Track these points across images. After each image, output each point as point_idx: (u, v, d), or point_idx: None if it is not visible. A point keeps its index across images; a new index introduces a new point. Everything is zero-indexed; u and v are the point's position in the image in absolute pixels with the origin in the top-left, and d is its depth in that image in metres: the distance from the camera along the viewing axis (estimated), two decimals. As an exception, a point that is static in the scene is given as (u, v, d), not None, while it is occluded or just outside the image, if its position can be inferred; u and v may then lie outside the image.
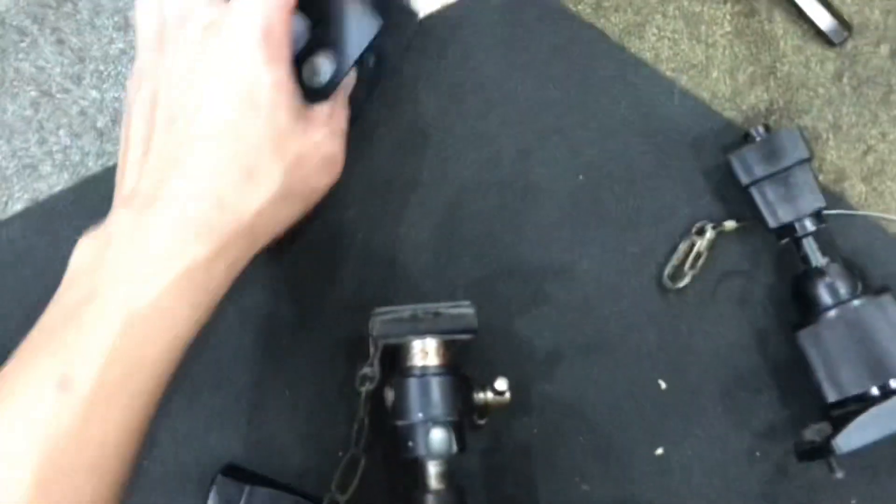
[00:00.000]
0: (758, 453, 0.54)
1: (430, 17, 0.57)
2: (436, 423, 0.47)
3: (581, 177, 0.56)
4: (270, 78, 0.43)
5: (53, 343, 0.40)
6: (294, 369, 0.57)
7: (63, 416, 0.38)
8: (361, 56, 0.49)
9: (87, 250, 0.44)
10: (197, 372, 0.57)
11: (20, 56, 0.60)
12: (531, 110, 0.56)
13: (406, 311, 0.48)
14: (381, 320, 0.49)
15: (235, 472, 0.56)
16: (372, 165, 0.57)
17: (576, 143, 0.56)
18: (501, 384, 0.49)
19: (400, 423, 0.48)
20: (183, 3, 0.45)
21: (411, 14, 0.56)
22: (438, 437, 0.47)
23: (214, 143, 0.43)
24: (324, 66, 0.49)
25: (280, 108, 0.43)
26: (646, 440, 0.54)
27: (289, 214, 0.47)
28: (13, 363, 0.41)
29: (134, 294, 0.41)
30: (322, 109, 0.47)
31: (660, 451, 0.54)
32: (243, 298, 0.57)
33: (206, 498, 0.55)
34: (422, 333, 0.48)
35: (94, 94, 0.60)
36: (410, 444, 0.48)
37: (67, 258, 0.57)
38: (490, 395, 0.50)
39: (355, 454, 0.53)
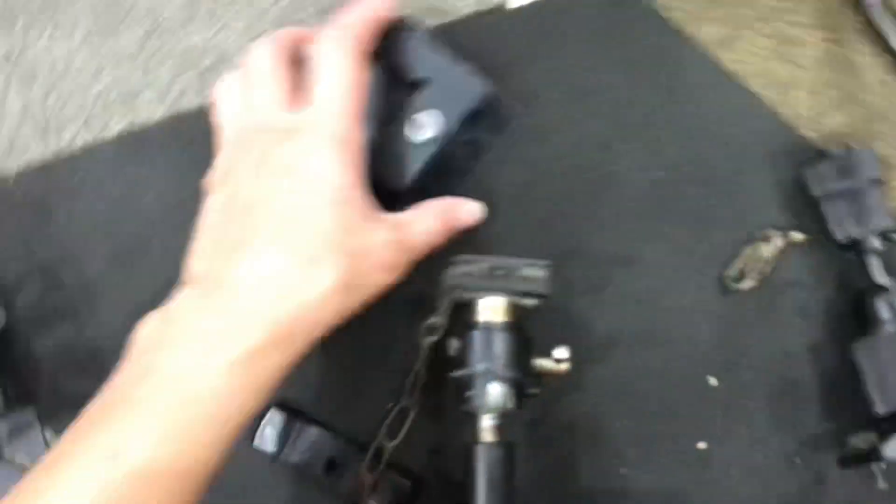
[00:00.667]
0: (798, 460, 0.55)
1: (526, 7, 0.60)
2: (495, 376, 0.49)
3: (660, 174, 0.58)
4: (342, 180, 0.46)
5: (108, 417, 0.41)
6: (357, 320, 0.59)
7: (111, 489, 0.39)
8: (468, 121, 0.52)
9: (149, 327, 0.45)
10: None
11: (138, -10, 0.64)
12: (618, 105, 0.59)
13: (484, 262, 0.50)
14: (455, 273, 0.50)
15: (286, 409, 0.58)
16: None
17: (657, 141, 0.58)
18: (562, 352, 0.51)
19: (461, 372, 0.50)
20: (264, 111, 0.49)
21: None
22: (496, 390, 0.49)
23: (280, 232, 0.45)
24: (428, 123, 0.52)
25: (348, 205, 0.46)
26: (689, 433, 0.56)
27: (347, 307, 0.47)
28: (71, 434, 0.42)
29: (188, 375, 0.42)
30: (394, 217, 0.50)
31: (702, 445, 0.55)
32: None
33: (255, 430, 0.57)
34: (493, 291, 0.50)
35: (202, 34, 0.63)
36: (468, 393, 0.49)
37: (154, 185, 0.61)
38: (549, 362, 0.51)
39: (406, 404, 0.55)
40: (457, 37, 0.59)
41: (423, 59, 0.52)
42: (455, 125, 0.52)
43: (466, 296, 0.51)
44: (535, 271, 0.50)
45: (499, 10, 0.60)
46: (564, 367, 0.51)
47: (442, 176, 0.56)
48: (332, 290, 0.45)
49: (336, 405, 0.58)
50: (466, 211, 0.54)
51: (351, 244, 0.46)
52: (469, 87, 0.53)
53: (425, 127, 0.52)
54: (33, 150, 0.64)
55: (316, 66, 0.48)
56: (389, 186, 0.52)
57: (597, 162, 0.58)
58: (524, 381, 0.50)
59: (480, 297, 0.51)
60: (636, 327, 0.57)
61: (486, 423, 0.50)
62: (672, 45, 0.59)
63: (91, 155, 0.63)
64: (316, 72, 0.48)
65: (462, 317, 0.52)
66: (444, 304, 0.52)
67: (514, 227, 0.58)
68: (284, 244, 0.45)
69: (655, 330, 0.57)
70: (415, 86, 0.53)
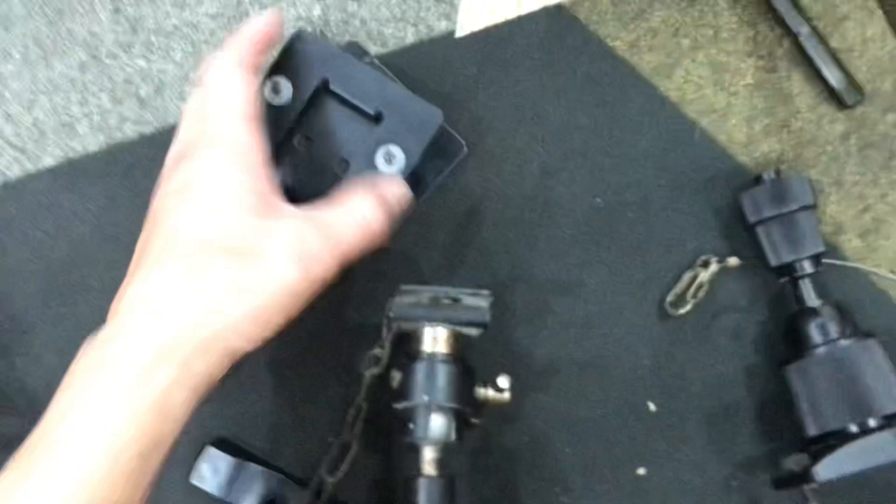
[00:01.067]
0: (734, 482, 0.56)
1: (474, 33, 0.61)
2: (438, 407, 0.49)
3: (598, 199, 0.58)
4: (230, 184, 0.45)
5: (28, 471, 0.39)
6: (296, 351, 0.58)
7: None
8: (425, 148, 0.51)
9: (78, 360, 0.44)
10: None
11: (76, 18, 0.63)
12: (559, 132, 0.59)
13: (428, 292, 0.50)
14: (398, 303, 0.50)
15: (225, 446, 0.57)
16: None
17: (597, 167, 0.59)
18: (504, 382, 0.51)
19: (403, 405, 0.50)
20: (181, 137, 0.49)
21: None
22: (439, 422, 0.49)
23: (165, 250, 0.44)
24: (398, 155, 0.51)
25: (236, 207, 0.44)
26: (629, 459, 0.56)
27: (250, 310, 0.44)
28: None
29: (94, 414, 0.40)
30: (305, 209, 0.47)
31: (641, 471, 0.56)
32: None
33: (192, 468, 0.57)
34: (436, 321, 0.50)
35: (141, 63, 0.62)
36: (411, 426, 0.49)
37: (91, 217, 0.60)
38: (491, 391, 0.52)
39: (347, 439, 0.55)
40: (401, 65, 0.60)
41: (377, 89, 0.52)
42: (419, 155, 0.51)
43: (409, 326, 0.51)
44: (477, 301, 0.50)
45: (444, 39, 0.60)
46: (507, 395, 0.51)
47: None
48: (218, 296, 0.43)
49: (275, 440, 0.58)
50: (391, 191, 0.49)
51: (239, 245, 0.43)
52: (427, 116, 0.52)
53: (396, 158, 0.51)
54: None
55: (204, 86, 0.48)
56: None
57: (538, 189, 0.59)
58: (467, 411, 0.50)
59: (423, 328, 0.51)
60: (576, 355, 0.57)
61: (429, 456, 0.50)
62: (613, 72, 0.59)
63: (25, 185, 0.61)
64: (204, 90, 0.48)
65: (403, 348, 0.52)
66: (387, 335, 0.52)
67: (455, 254, 0.58)
68: (168, 261, 0.43)
69: (596, 356, 0.57)
70: (370, 116, 0.53)
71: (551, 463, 0.56)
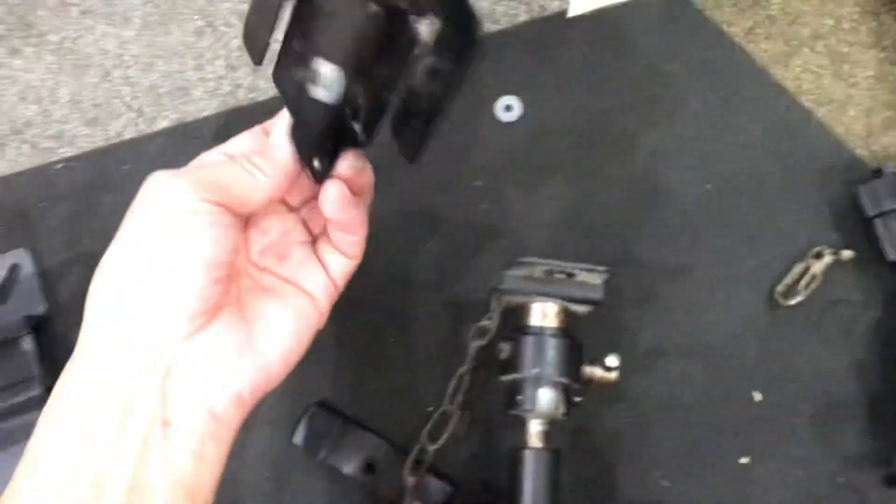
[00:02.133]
0: (841, 479, 0.54)
1: (586, 16, 0.61)
2: (548, 381, 0.49)
3: (709, 186, 0.58)
4: None
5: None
6: (402, 322, 0.59)
7: None
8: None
9: None
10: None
11: (194, -14, 0.64)
12: (671, 116, 0.59)
13: (543, 265, 0.50)
14: (512, 275, 0.50)
15: (325, 409, 0.58)
16: (508, 144, 0.60)
17: (709, 153, 0.58)
18: (613, 361, 0.51)
19: (512, 376, 0.50)
20: None
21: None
22: (548, 395, 0.49)
23: None
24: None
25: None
26: (732, 447, 0.55)
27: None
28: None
29: None
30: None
31: (745, 460, 0.55)
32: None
33: (294, 429, 0.57)
34: (548, 296, 0.50)
35: (256, 32, 0.63)
36: (519, 398, 0.49)
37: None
38: (599, 370, 0.51)
39: (449, 408, 0.55)
40: (512, 43, 0.60)
41: None
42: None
43: (521, 300, 0.51)
44: (592, 277, 0.50)
45: (556, 18, 0.60)
46: (614, 375, 0.51)
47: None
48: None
49: (374, 408, 0.58)
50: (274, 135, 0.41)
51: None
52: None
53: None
54: (81, 140, 0.64)
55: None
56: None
57: (647, 173, 0.58)
58: (574, 387, 0.50)
59: (534, 302, 0.50)
60: (682, 340, 0.57)
61: (535, 429, 0.50)
62: (728, 59, 0.59)
63: (139, 146, 0.63)
64: None
65: (511, 321, 0.52)
66: (497, 308, 0.52)
67: (561, 235, 0.58)
68: None
69: (702, 343, 0.56)
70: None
71: (652, 447, 0.56)
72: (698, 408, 0.56)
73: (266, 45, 0.40)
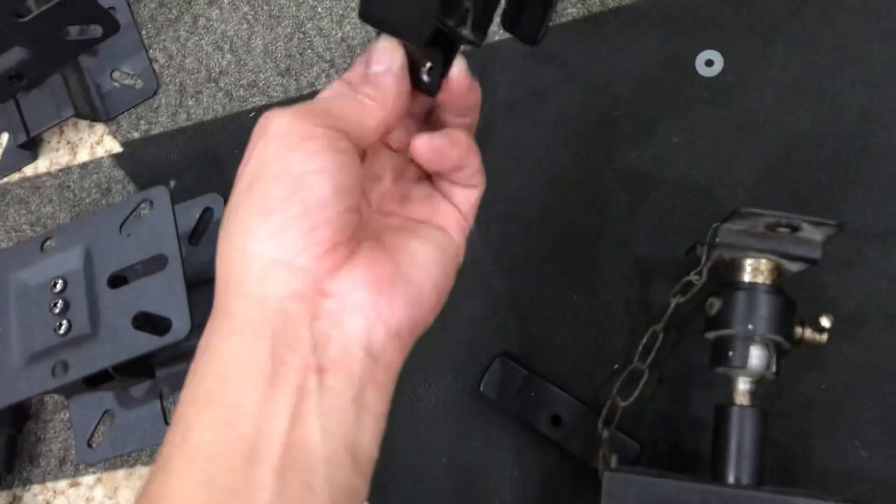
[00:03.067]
0: None
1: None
2: (761, 338, 0.48)
3: (925, 147, 0.55)
4: None
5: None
6: (588, 278, 0.58)
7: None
8: None
9: None
10: (487, 260, 0.60)
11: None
12: (884, 74, 0.56)
13: (767, 217, 0.48)
14: (730, 229, 0.49)
15: (511, 361, 0.58)
16: (708, 99, 0.58)
17: (925, 114, 0.56)
18: (826, 322, 0.49)
19: (723, 332, 0.49)
20: None
21: None
22: (759, 353, 0.48)
23: None
24: None
25: None
26: (939, 421, 0.53)
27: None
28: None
29: None
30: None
31: (953, 434, 0.53)
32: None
33: (481, 379, 0.58)
34: (763, 252, 0.49)
35: None
36: (730, 353, 0.48)
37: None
38: (809, 331, 0.50)
39: (639, 367, 0.55)
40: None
41: None
42: None
43: (734, 254, 0.50)
44: (815, 233, 0.48)
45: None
46: (825, 337, 0.50)
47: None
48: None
49: (557, 363, 0.58)
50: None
51: None
52: None
53: None
54: (274, 89, 0.66)
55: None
56: None
57: (857, 133, 0.56)
58: (784, 347, 0.49)
59: (749, 257, 0.49)
60: (887, 307, 0.54)
61: (743, 387, 0.49)
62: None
63: (331, 97, 0.64)
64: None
65: (717, 276, 0.51)
66: (706, 262, 0.51)
67: (759, 195, 0.57)
68: None
69: (909, 310, 0.54)
70: None
71: (851, 415, 0.54)
72: (903, 377, 0.54)
73: None
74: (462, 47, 0.36)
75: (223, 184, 0.66)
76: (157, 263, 0.55)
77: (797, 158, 0.57)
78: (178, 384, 0.65)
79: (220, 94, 0.67)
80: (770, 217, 0.47)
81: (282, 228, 0.32)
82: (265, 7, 0.67)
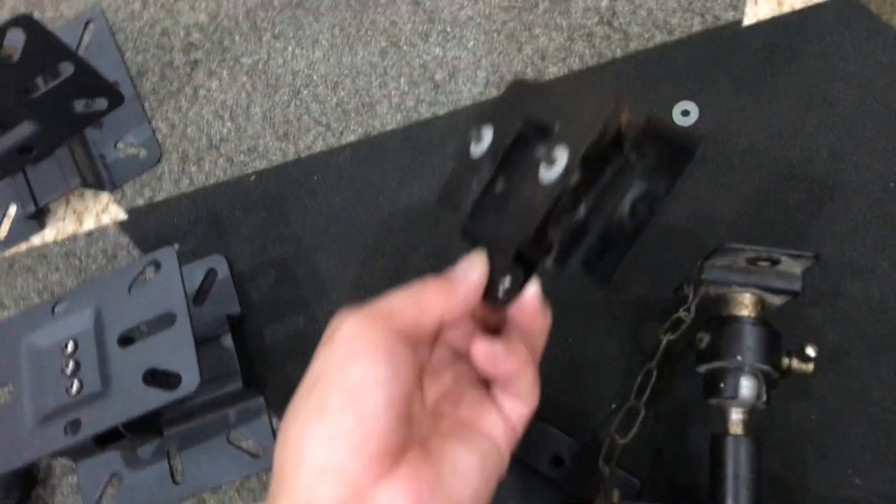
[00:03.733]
0: None
1: (761, 22, 0.63)
2: (749, 369, 0.50)
3: (892, 184, 0.58)
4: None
5: None
6: (582, 321, 0.61)
7: None
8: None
9: None
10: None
11: (378, 10, 0.69)
12: (850, 117, 0.60)
13: (748, 252, 0.50)
14: (714, 265, 0.52)
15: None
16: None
17: (890, 152, 0.59)
18: (811, 351, 0.51)
19: (712, 365, 0.51)
20: None
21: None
22: (749, 383, 0.50)
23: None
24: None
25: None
26: (929, 445, 0.55)
27: None
28: None
29: None
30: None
31: (942, 458, 0.54)
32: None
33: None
34: (747, 287, 0.51)
35: (437, 50, 0.67)
36: (721, 385, 0.50)
37: (386, 188, 0.65)
38: (796, 360, 0.52)
39: (635, 404, 0.56)
40: (687, 51, 0.62)
41: None
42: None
43: (720, 290, 0.52)
44: (795, 265, 0.51)
45: (730, 27, 0.62)
46: (811, 367, 0.52)
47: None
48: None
49: (555, 404, 0.60)
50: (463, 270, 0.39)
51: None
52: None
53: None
54: (273, 153, 0.69)
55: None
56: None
57: (828, 172, 0.59)
58: (773, 377, 0.51)
59: (732, 292, 0.52)
60: (869, 337, 0.57)
61: (736, 416, 0.51)
62: (905, 61, 0.60)
63: (328, 159, 0.67)
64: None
65: (704, 311, 0.53)
66: (693, 299, 0.53)
67: (741, 234, 0.59)
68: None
69: (890, 341, 0.56)
70: None
71: (843, 444, 0.55)
72: (890, 404, 0.56)
73: (470, 196, 0.39)
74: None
75: (225, 245, 0.68)
76: (165, 321, 0.57)
77: (773, 198, 0.60)
78: (185, 443, 0.66)
79: (221, 160, 0.70)
80: (750, 252, 0.50)
81: (335, 436, 0.34)
82: (263, 76, 0.70)
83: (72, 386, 0.56)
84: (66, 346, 0.58)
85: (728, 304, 0.52)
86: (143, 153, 0.73)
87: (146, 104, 0.73)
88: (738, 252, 0.50)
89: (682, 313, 0.54)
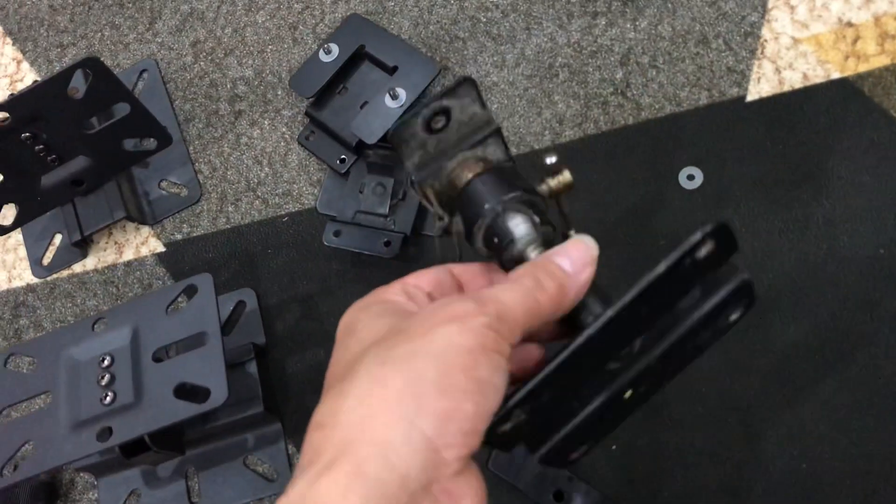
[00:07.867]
0: None
1: (763, 99, 0.68)
2: (504, 207, 0.40)
3: (882, 251, 0.63)
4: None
5: None
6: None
7: None
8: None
9: None
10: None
11: (411, 72, 0.75)
12: (843, 189, 0.64)
13: (416, 121, 0.41)
14: (411, 164, 0.43)
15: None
16: (689, 209, 0.66)
17: (882, 222, 0.63)
18: (551, 158, 0.41)
19: (483, 228, 0.40)
20: None
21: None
22: (519, 218, 0.40)
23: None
24: (401, 93, 0.70)
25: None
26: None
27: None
28: None
29: None
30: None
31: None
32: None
33: (489, 456, 0.63)
34: (451, 157, 0.43)
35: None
36: (496, 240, 0.40)
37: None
38: (550, 178, 0.42)
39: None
40: (694, 122, 0.68)
41: (397, 52, 0.73)
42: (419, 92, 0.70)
43: (436, 179, 0.43)
44: (469, 108, 0.42)
45: (735, 103, 0.68)
46: (567, 175, 0.42)
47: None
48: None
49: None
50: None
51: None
52: (427, 68, 0.71)
53: (399, 95, 0.71)
54: (306, 198, 0.74)
55: None
56: None
57: (821, 239, 0.64)
58: (536, 200, 0.41)
59: (449, 172, 0.43)
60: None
61: (534, 255, 0.39)
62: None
63: (356, 204, 0.72)
64: None
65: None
66: (430, 201, 0.43)
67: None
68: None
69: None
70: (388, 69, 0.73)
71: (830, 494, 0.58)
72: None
73: None
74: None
75: (255, 279, 0.73)
76: (197, 341, 0.61)
77: (771, 261, 0.64)
78: (203, 464, 0.69)
79: (257, 202, 0.75)
80: (415, 118, 0.41)
81: (447, 418, 0.33)
82: (300, 128, 0.76)
83: (106, 396, 0.60)
84: (104, 360, 0.62)
85: (454, 183, 0.43)
86: (184, 192, 0.78)
87: (191, 148, 0.79)
88: (408, 131, 0.42)
89: (437, 223, 0.43)
